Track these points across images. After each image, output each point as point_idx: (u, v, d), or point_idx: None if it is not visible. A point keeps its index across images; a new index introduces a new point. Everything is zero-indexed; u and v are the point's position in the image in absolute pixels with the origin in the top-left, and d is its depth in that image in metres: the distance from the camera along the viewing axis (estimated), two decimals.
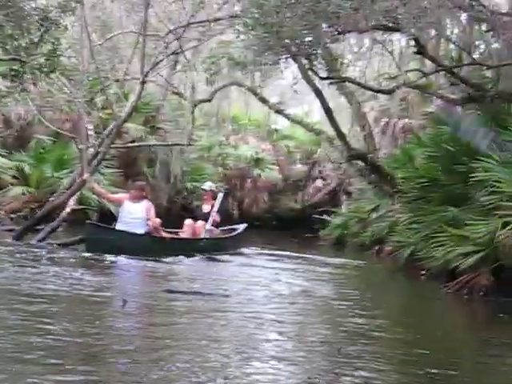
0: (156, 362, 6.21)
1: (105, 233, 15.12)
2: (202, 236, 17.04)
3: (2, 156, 20.77)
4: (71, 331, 7.28)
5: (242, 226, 18.74)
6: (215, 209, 17.19)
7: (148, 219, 15.51)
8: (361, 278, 15.41)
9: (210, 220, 17.10)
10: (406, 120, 24.87)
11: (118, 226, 15.62)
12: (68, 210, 16.41)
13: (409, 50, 19.25)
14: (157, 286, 11.30)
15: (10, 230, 17.28)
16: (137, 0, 21.35)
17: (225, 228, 18.21)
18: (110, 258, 13.84)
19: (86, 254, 13.90)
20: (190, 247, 16.34)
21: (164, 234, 16.05)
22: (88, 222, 15.59)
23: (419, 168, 16.97)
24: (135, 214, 15.51)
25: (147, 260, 14.17)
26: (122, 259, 13.94)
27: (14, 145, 22.67)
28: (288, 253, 18.06)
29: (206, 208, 17.55)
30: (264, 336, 7.91)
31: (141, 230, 15.48)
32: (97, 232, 14.98)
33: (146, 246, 15.20)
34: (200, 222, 17.26)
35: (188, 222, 17.32)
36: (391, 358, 7.41)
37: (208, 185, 18.18)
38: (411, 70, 19.88)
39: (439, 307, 11.90)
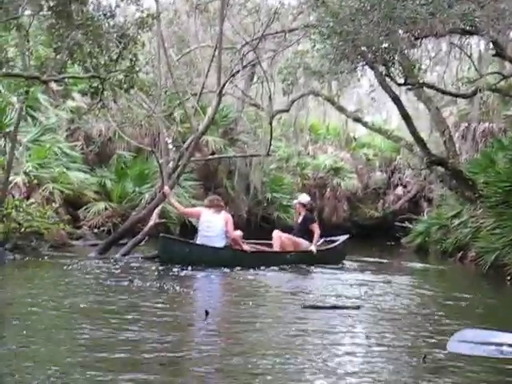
0: None
1: (179, 246, 15.18)
2: (288, 249, 16.58)
3: (85, 172, 21.11)
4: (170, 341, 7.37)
5: (342, 238, 18.08)
6: (316, 239, 16.78)
7: (227, 232, 15.41)
8: (447, 284, 15.16)
9: (315, 242, 16.66)
10: (487, 124, 24.51)
11: (199, 240, 15.59)
12: (151, 223, 16.52)
13: (488, 53, 19.00)
14: (244, 297, 11.29)
15: (94, 245, 17.53)
16: (212, 14, 21.57)
17: (325, 239, 17.91)
18: (189, 270, 13.87)
19: (173, 268, 13.95)
20: (275, 260, 15.91)
21: (245, 247, 15.71)
22: (161, 235, 15.50)
23: (501, 172, 16.73)
24: (214, 227, 15.40)
25: (229, 272, 14.16)
26: (201, 272, 13.92)
27: (95, 161, 23.04)
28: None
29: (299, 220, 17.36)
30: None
31: (220, 243, 15.41)
32: (170, 245, 15.07)
33: (227, 260, 15.08)
34: (287, 236, 16.97)
35: (276, 233, 17.09)
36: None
37: (303, 197, 17.84)
38: (491, 73, 19.64)
39: None
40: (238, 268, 14.48)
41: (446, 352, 7.42)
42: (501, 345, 7.50)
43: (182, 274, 13.51)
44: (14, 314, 8.62)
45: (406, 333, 8.66)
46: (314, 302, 10.71)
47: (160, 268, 13.99)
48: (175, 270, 13.75)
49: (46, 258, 14.88)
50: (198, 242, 15.58)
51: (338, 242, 17.73)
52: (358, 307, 10.25)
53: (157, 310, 9.54)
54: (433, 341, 8.13)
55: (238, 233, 15.92)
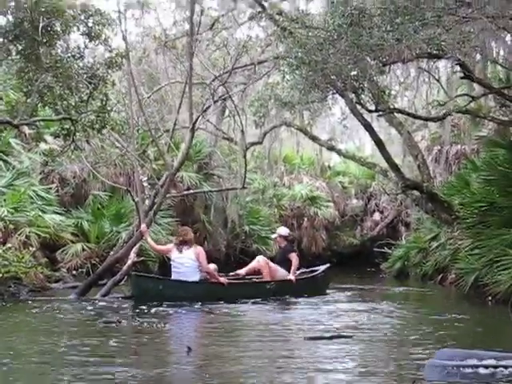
0: None
1: (152, 283, 15.08)
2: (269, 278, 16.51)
3: (61, 214, 20.97)
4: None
5: (322, 267, 17.94)
6: (294, 267, 16.66)
7: (200, 265, 15.29)
8: (428, 307, 15.17)
9: (293, 271, 16.55)
10: (459, 146, 24.69)
11: (173, 276, 15.49)
12: (129, 262, 16.46)
13: (456, 76, 19.17)
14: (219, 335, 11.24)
15: (74, 287, 17.42)
16: (181, 51, 21.64)
17: (306, 270, 17.78)
18: (166, 307, 13.80)
19: (150, 306, 13.84)
20: (254, 292, 15.79)
21: (221, 279, 15.57)
22: (133, 273, 15.46)
23: (476, 193, 16.82)
24: (186, 263, 15.28)
25: (207, 307, 14.07)
26: (179, 308, 13.85)
27: (71, 202, 22.91)
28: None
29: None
30: None
31: (195, 278, 15.30)
32: (143, 283, 14.97)
33: (203, 294, 15.02)
34: (266, 260, 16.99)
35: (261, 258, 17.08)
36: None
37: (282, 230, 17.71)
38: (460, 95, 19.80)
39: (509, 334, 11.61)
40: (217, 302, 14.38)
41: None
42: (477, 367, 7.50)
43: (160, 311, 13.42)
44: None
45: (396, 359, 8.65)
46: (299, 334, 10.71)
47: (139, 307, 13.82)
48: (153, 307, 13.65)
49: (25, 302, 14.76)
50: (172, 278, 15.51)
51: (318, 272, 17.61)
52: (350, 337, 10.27)
53: (139, 347, 9.51)
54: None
55: (213, 266, 15.88)
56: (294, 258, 16.73)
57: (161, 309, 13.61)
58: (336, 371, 8.04)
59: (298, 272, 17.12)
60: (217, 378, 7.65)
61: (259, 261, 16.95)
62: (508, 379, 7.32)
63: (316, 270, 17.77)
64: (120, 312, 13.19)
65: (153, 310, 13.40)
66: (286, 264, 16.69)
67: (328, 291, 17.18)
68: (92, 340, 10.10)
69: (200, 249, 15.63)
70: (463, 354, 7.88)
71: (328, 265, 18.22)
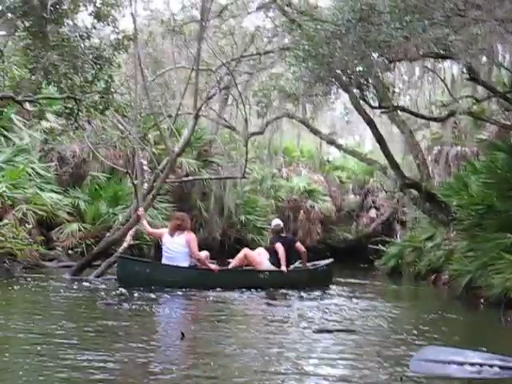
0: None
1: (139, 266, 15.03)
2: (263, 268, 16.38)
3: (58, 193, 20.97)
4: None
5: (324, 262, 17.82)
6: (281, 257, 16.35)
7: (190, 252, 15.22)
8: (419, 307, 15.22)
9: (282, 263, 16.29)
10: (459, 147, 24.70)
11: (163, 261, 15.45)
12: (125, 245, 16.49)
13: (461, 77, 19.18)
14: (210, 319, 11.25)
15: (68, 267, 17.46)
16: (187, 36, 21.60)
17: (308, 263, 17.52)
18: (156, 292, 13.76)
19: (139, 290, 13.81)
20: (247, 280, 15.73)
21: (212, 266, 15.49)
22: (118, 256, 15.40)
23: (474, 195, 16.81)
24: (176, 248, 15.21)
25: (197, 292, 14.07)
26: (168, 294, 13.81)
27: (69, 182, 22.91)
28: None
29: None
30: None
31: (185, 263, 15.23)
32: (129, 266, 14.90)
33: (192, 279, 14.95)
34: (261, 250, 16.97)
35: (244, 250, 16.96)
36: None
37: (276, 222, 17.55)
38: (463, 97, 19.79)
39: (499, 336, 11.65)
40: (207, 289, 14.37)
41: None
42: (462, 364, 7.54)
43: (151, 295, 13.38)
44: None
45: (388, 355, 8.66)
46: (287, 324, 10.73)
47: (129, 290, 13.67)
48: (145, 291, 13.64)
49: (19, 279, 14.79)
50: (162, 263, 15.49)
51: (319, 265, 17.54)
52: (353, 331, 10.29)
53: (132, 332, 9.52)
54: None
55: (205, 253, 15.77)
56: (279, 248, 16.53)
57: (152, 294, 13.54)
58: (327, 365, 8.07)
59: (296, 264, 17.06)
60: (210, 365, 7.68)
61: (242, 252, 16.92)
62: (493, 377, 7.37)
63: (317, 264, 17.67)
64: (114, 295, 13.17)
65: (145, 295, 13.35)
66: (274, 255, 16.64)
67: (330, 286, 16.97)
68: (85, 322, 10.13)
69: (192, 235, 15.48)
70: (448, 351, 7.93)
71: (331, 260, 18.02)
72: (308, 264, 17.54)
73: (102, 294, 13.19)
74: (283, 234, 17.13)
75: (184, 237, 15.27)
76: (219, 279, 15.26)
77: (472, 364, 7.53)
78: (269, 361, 7.97)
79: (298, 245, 17.10)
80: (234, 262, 16.68)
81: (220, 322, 10.69)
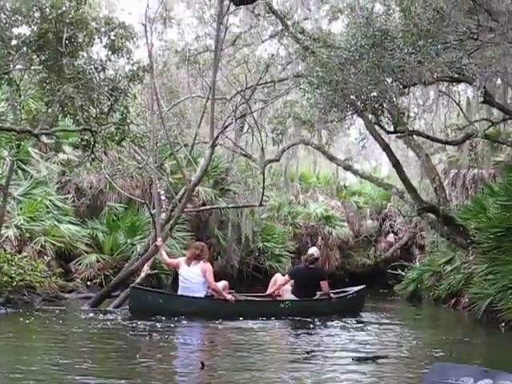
0: None
1: (151, 296, 15.01)
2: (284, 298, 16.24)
3: (76, 224, 21.05)
4: None
5: (354, 289, 17.42)
6: (276, 285, 16.53)
7: (207, 282, 15.16)
8: (442, 331, 15.13)
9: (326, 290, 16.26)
10: (476, 170, 24.64)
11: (179, 291, 15.43)
12: (142, 275, 16.51)
13: (475, 100, 19.16)
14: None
15: (87, 298, 17.48)
16: (202, 65, 21.71)
17: (336, 290, 17.27)
18: (172, 322, 13.76)
19: (159, 320, 13.80)
20: (266, 310, 15.48)
21: (228, 297, 15.30)
22: (131, 286, 15.30)
23: (492, 218, 16.75)
24: (192, 278, 15.20)
25: (211, 323, 13.90)
26: (183, 324, 13.83)
27: (86, 213, 22.97)
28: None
29: None
30: None
31: (201, 294, 15.18)
32: (142, 296, 14.85)
33: (207, 310, 14.82)
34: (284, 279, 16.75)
35: (279, 276, 16.91)
36: None
37: (310, 251, 17.17)
38: (479, 120, 19.77)
39: None
40: (226, 319, 14.18)
41: None
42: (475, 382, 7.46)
43: (167, 325, 13.34)
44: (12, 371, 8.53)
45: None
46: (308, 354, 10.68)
47: (143, 321, 13.63)
48: (163, 322, 13.63)
49: (38, 312, 14.82)
50: (179, 293, 15.42)
51: (348, 293, 17.16)
52: (386, 356, 10.27)
53: (151, 361, 9.51)
54: None
55: (223, 283, 15.71)
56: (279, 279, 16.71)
57: (169, 324, 13.52)
58: None
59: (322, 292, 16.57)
60: None
61: (274, 278, 16.90)
62: None
63: (347, 291, 17.34)
64: (132, 326, 13.16)
65: (163, 325, 13.31)
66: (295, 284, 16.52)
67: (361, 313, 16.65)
68: (104, 354, 10.14)
69: (207, 265, 15.41)
70: (460, 368, 7.85)
71: (361, 287, 17.55)
72: (337, 290, 17.30)
73: (116, 325, 13.20)
74: (311, 266, 16.66)
75: (199, 266, 15.25)
76: (234, 309, 15.06)
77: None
78: None
79: (323, 283, 16.40)
80: (269, 290, 16.60)
81: (240, 352, 10.64)
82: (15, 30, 12.99)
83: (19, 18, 12.89)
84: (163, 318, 14.02)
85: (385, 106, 16.38)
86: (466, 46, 14.30)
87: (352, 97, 15.76)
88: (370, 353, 10.73)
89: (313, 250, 17.27)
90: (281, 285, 16.58)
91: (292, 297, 16.27)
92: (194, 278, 15.20)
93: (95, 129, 13.49)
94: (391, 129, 18.07)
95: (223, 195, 25.67)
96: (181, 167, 17.99)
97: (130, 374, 8.47)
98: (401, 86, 15.59)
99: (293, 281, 16.58)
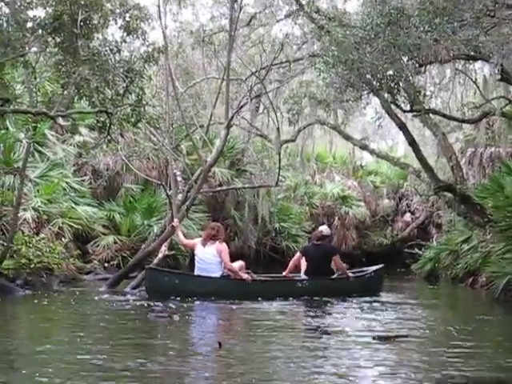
0: None
1: (167, 277, 15.04)
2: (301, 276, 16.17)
3: (93, 206, 21.12)
4: None
5: (372, 268, 17.19)
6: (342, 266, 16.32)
7: (222, 262, 15.14)
8: (461, 310, 15.13)
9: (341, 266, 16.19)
10: (493, 148, 24.50)
11: (195, 272, 15.42)
12: (160, 256, 16.56)
13: (492, 78, 19.05)
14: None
15: (105, 279, 17.56)
16: (217, 46, 21.68)
17: (354, 270, 17.16)
18: (190, 302, 13.83)
19: (174, 300, 13.86)
20: (282, 290, 15.41)
21: (244, 276, 15.23)
22: (147, 267, 15.32)
23: (510, 196, 16.69)
24: (207, 259, 15.17)
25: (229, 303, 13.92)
26: (200, 304, 13.87)
27: (103, 195, 23.04)
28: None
29: None
30: None
31: (217, 274, 15.14)
32: (158, 277, 14.92)
33: (223, 290, 14.78)
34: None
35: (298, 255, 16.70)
36: None
37: (320, 228, 17.18)
38: (496, 98, 19.65)
39: None
40: (242, 299, 14.21)
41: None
42: None
43: (186, 306, 13.40)
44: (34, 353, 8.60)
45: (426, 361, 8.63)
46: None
47: (160, 301, 13.68)
48: (180, 302, 13.69)
49: (56, 293, 14.92)
50: (195, 273, 15.43)
51: (366, 272, 16.99)
52: (406, 336, 10.27)
53: (169, 342, 9.55)
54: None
55: (239, 263, 15.71)
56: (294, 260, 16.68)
57: (184, 304, 13.57)
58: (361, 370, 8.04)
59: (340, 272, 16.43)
60: (248, 373, 7.67)
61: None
62: None
63: (364, 270, 17.20)
64: (148, 306, 13.23)
65: (179, 305, 13.38)
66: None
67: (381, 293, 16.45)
68: (123, 333, 10.20)
69: (223, 245, 15.35)
70: None
71: (379, 266, 17.32)
72: (355, 270, 17.24)
73: (134, 306, 13.26)
74: (318, 242, 16.53)
75: (215, 247, 15.23)
76: (253, 289, 15.06)
77: None
78: (309, 373, 7.89)
79: (336, 258, 16.27)
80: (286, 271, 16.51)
81: (257, 331, 10.66)
82: (30, 13, 12.98)
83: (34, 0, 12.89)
84: (179, 298, 14.05)
85: (401, 84, 16.28)
86: (483, 23, 14.19)
87: (368, 76, 15.70)
88: (391, 332, 10.74)
89: (322, 228, 17.22)
90: (293, 262, 16.54)
91: (304, 276, 16.23)
92: (210, 258, 15.18)
93: (111, 110, 13.48)
94: (407, 108, 17.99)
95: (239, 176, 25.67)
96: (196, 148, 17.97)
97: (150, 354, 8.51)
98: (417, 65, 15.52)
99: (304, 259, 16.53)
